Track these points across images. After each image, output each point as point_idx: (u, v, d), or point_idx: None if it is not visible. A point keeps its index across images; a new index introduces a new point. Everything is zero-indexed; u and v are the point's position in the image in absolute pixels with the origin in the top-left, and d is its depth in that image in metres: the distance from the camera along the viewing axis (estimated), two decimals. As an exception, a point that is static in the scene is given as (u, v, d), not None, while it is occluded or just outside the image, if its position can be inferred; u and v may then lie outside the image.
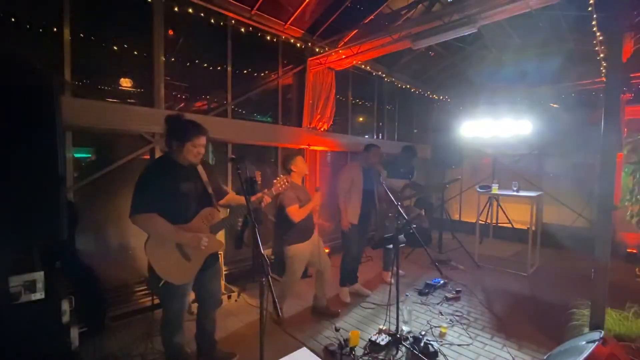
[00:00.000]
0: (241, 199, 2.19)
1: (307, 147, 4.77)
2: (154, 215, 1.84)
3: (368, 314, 3.16)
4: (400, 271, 4.01)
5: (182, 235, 1.91)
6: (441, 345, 2.59)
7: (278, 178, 2.24)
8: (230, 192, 2.28)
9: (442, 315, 3.11)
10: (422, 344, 2.48)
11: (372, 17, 4.57)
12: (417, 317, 3.05)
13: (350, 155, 5.63)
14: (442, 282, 3.82)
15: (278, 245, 3.91)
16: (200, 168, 2.09)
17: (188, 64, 3.72)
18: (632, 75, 4.77)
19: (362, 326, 2.90)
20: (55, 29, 2.81)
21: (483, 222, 5.78)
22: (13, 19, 2.68)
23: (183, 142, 1.92)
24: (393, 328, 2.62)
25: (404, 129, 7.05)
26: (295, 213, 2.75)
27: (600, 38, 3.61)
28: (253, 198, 2.13)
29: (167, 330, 2.12)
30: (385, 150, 6.15)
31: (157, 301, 3.17)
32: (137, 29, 3.31)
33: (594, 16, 3.33)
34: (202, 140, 1.98)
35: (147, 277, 2.37)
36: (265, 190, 2.16)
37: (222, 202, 2.22)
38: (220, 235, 3.83)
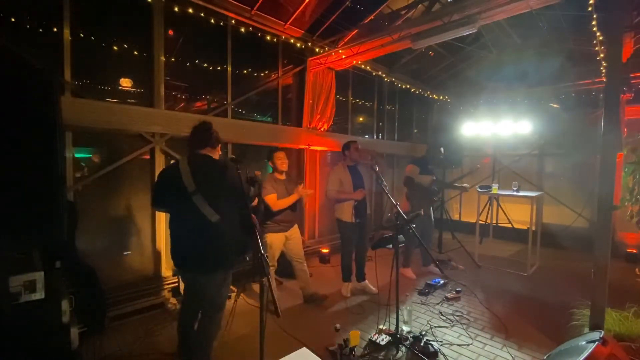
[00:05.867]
0: None
1: (307, 147, 4.77)
2: None
3: (368, 314, 3.16)
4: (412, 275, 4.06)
5: None
6: (441, 345, 2.59)
7: None
8: None
9: (442, 315, 3.11)
10: (422, 344, 2.48)
11: (372, 17, 4.57)
12: (417, 317, 3.05)
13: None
14: (442, 282, 3.82)
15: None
16: None
17: (188, 64, 3.72)
18: (632, 75, 4.76)
19: (362, 326, 2.90)
20: (55, 29, 2.81)
21: (483, 222, 5.78)
22: (13, 19, 2.68)
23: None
24: (393, 328, 2.62)
25: (404, 129, 7.05)
26: (272, 202, 3.03)
27: (600, 38, 3.61)
28: None
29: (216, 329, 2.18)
30: (385, 151, 6.25)
31: (157, 301, 3.18)
32: (137, 29, 3.31)
33: (594, 16, 3.33)
34: None
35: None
36: None
37: None
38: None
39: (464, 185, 4.63)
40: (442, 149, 4.41)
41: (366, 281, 3.67)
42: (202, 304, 2.12)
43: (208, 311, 2.11)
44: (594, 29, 3.51)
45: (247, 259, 2.22)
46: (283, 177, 3.23)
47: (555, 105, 6.17)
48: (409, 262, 4.21)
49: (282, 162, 3.19)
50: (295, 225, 3.33)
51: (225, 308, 2.20)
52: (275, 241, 3.17)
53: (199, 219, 1.92)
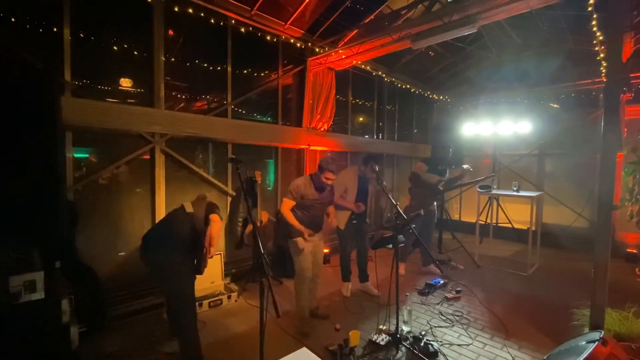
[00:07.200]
0: None
1: (307, 147, 4.77)
2: None
3: (368, 314, 3.16)
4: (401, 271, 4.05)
5: None
6: (441, 345, 2.59)
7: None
8: None
9: (442, 315, 3.11)
10: (422, 344, 2.48)
11: (372, 17, 4.56)
12: (417, 317, 3.05)
13: (350, 155, 5.63)
14: (442, 282, 3.82)
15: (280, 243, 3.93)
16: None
17: (188, 64, 3.72)
18: (632, 75, 4.76)
19: (362, 326, 2.90)
20: (55, 29, 2.81)
21: (483, 222, 5.77)
22: (13, 19, 2.68)
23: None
24: (393, 328, 2.62)
25: (404, 129, 7.05)
26: (285, 207, 2.80)
27: (600, 38, 3.61)
28: None
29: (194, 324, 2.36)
30: (385, 151, 6.24)
31: (156, 301, 3.18)
32: (137, 29, 3.30)
33: (594, 16, 3.33)
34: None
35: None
36: None
37: None
38: (221, 235, 3.85)
39: (464, 166, 4.48)
40: (450, 148, 4.38)
41: (369, 282, 3.65)
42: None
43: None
44: (594, 29, 3.51)
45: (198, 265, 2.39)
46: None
47: (555, 105, 6.17)
48: (405, 258, 4.24)
49: (328, 182, 2.84)
50: (320, 232, 3.02)
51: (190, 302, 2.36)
52: (306, 245, 2.84)
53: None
